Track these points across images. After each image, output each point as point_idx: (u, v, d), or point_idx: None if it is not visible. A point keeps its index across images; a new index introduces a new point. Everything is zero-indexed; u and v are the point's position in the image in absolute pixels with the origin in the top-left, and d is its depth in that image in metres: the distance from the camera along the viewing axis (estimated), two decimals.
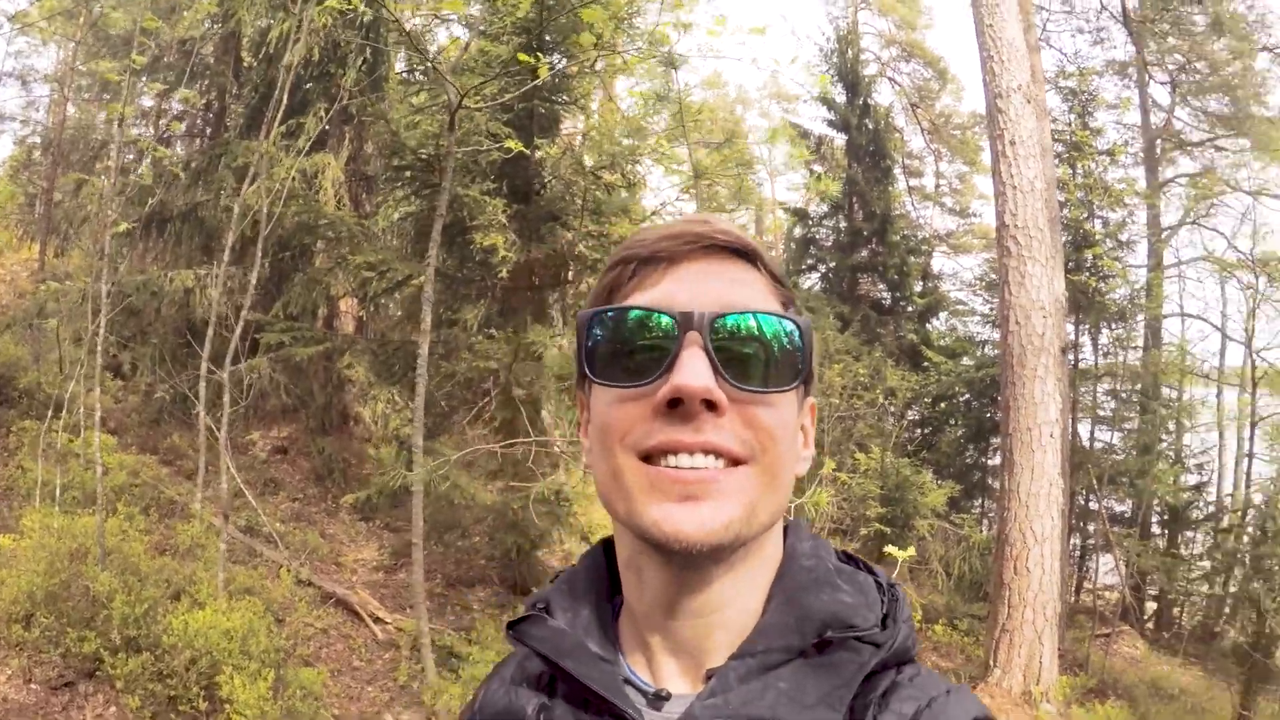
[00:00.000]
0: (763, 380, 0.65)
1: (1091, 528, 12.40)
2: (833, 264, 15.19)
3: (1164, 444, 12.36)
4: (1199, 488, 12.56)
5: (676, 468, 0.63)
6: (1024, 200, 7.53)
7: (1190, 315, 15.65)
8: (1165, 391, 12.87)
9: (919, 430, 14.81)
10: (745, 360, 0.65)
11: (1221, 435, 14.10)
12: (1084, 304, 11.59)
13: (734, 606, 0.69)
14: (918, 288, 15.38)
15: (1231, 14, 13.05)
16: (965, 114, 17.46)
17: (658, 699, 0.68)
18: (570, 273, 7.59)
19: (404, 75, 8.76)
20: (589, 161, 7.35)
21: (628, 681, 0.70)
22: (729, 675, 0.65)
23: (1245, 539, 8.94)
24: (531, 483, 6.10)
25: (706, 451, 0.63)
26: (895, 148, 16.04)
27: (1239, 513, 11.44)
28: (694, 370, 0.62)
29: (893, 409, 13.50)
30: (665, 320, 0.65)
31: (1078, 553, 12.48)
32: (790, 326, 0.67)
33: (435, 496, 6.34)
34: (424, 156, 6.79)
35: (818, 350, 0.71)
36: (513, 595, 6.92)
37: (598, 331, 0.68)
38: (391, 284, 7.53)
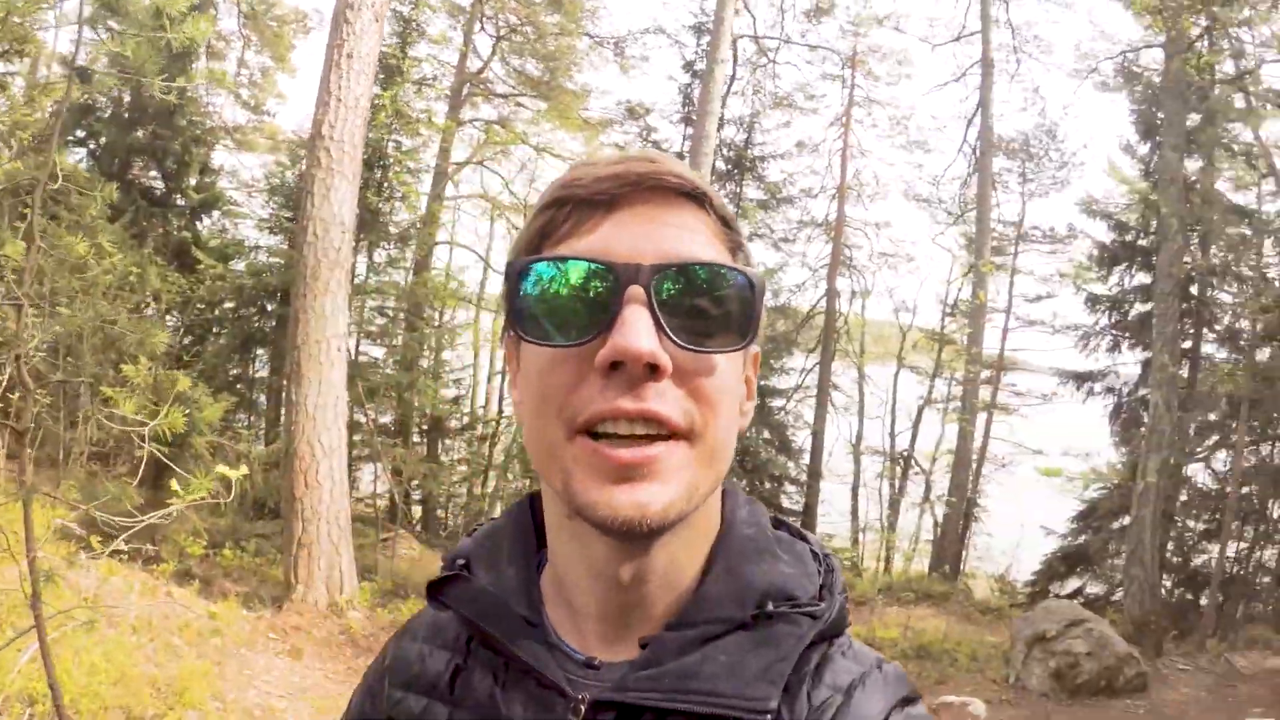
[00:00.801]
0: (710, 339, 0.60)
1: (358, 438, 13.46)
2: (107, 140, 12.47)
3: (427, 360, 14.14)
4: (457, 400, 14.88)
5: (614, 436, 0.58)
6: (346, 115, 7.48)
7: (461, 245, 17.96)
8: (431, 312, 14.66)
9: (185, 339, 13.61)
10: (693, 317, 0.60)
11: (477, 355, 16.90)
12: (368, 222, 12.27)
13: (671, 574, 0.65)
14: (193, 181, 13.90)
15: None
16: (289, 7, 16.29)
17: (586, 667, 0.65)
18: None
19: None
20: None
21: (553, 647, 0.66)
22: (666, 645, 0.63)
23: (498, 446, 10.97)
24: None
25: (647, 419, 0.58)
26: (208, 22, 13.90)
27: (493, 422, 14.01)
28: (636, 330, 0.57)
29: (156, 314, 12.03)
30: (604, 272, 0.59)
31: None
32: (741, 279, 0.62)
33: None
34: None
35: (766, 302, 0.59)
36: None
37: (529, 283, 0.61)
38: None
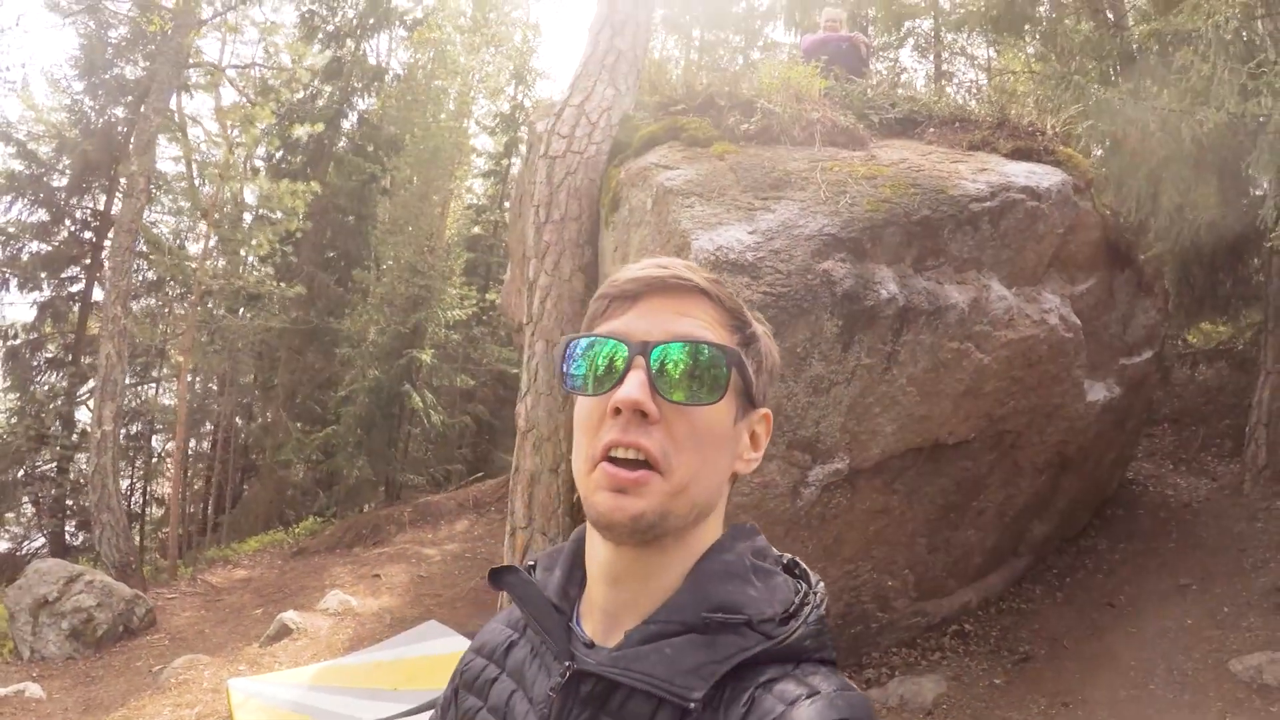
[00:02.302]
0: (686, 396, 0.81)
1: None
2: None
3: None
4: None
5: (616, 460, 0.80)
6: None
7: None
8: None
9: None
10: (674, 379, 0.81)
11: None
12: None
13: (653, 582, 0.84)
14: None
15: None
16: None
17: (587, 647, 0.85)
18: None
19: None
20: None
21: (569, 630, 0.87)
22: (633, 636, 0.81)
23: None
24: None
25: (637, 449, 0.79)
26: None
27: None
28: (632, 385, 0.80)
29: None
30: (620, 347, 0.82)
31: None
32: (713, 352, 0.82)
33: None
34: None
35: (768, 370, 0.90)
36: None
37: (576, 351, 0.86)
38: None
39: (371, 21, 13.94)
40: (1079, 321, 5.88)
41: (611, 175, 6.38)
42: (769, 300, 4.81)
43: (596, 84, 6.93)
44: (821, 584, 0.87)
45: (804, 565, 0.90)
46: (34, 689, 7.33)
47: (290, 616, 7.82)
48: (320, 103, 13.94)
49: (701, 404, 0.81)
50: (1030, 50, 10.85)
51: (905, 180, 5.41)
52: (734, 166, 5.69)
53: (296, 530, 11.23)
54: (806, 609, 0.81)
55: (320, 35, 14.22)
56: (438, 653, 5.67)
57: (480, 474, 13.44)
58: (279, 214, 10.65)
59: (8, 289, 14.51)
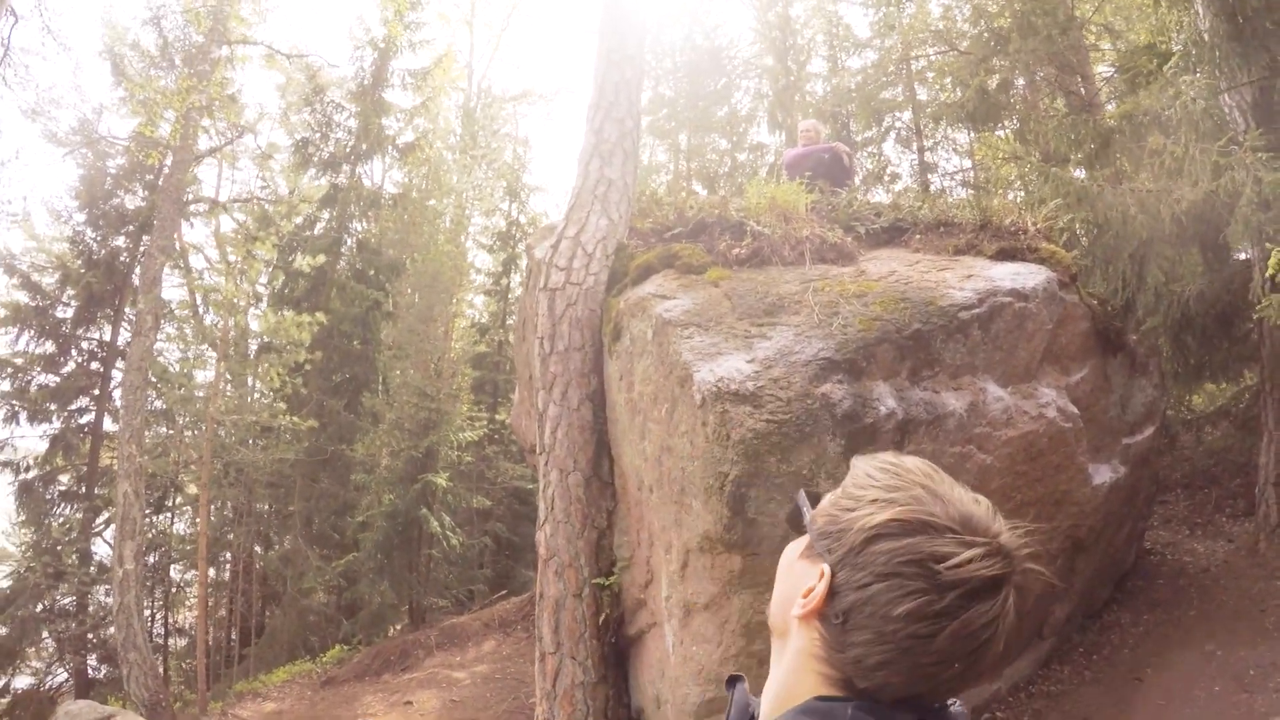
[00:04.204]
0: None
1: None
2: None
3: None
4: None
5: None
6: None
7: None
8: None
9: None
10: None
11: None
12: None
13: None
14: None
15: None
16: None
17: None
18: None
19: None
20: None
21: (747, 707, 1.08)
22: None
23: None
24: None
25: None
26: None
27: None
28: None
29: None
30: None
31: None
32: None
33: None
34: None
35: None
36: None
37: None
38: None
39: (364, 147, 14.42)
40: (1076, 410, 6.03)
41: (612, 304, 6.60)
42: (771, 428, 4.96)
43: (590, 214, 7.23)
44: None
45: None
46: None
47: None
48: (319, 228, 14.35)
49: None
50: (1010, 132, 11.24)
51: (894, 295, 5.63)
52: (729, 293, 5.92)
53: (323, 659, 11.16)
54: None
55: (315, 162, 14.70)
56: None
57: (504, 592, 13.43)
58: (286, 345, 10.88)
59: (18, 422, 14.73)
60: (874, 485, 0.92)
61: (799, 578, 0.95)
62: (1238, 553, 7.22)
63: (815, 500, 1.01)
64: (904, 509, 0.88)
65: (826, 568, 0.91)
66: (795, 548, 1.01)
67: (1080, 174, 8.30)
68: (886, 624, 0.85)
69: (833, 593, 0.90)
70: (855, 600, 0.87)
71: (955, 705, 0.92)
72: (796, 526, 1.02)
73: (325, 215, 14.32)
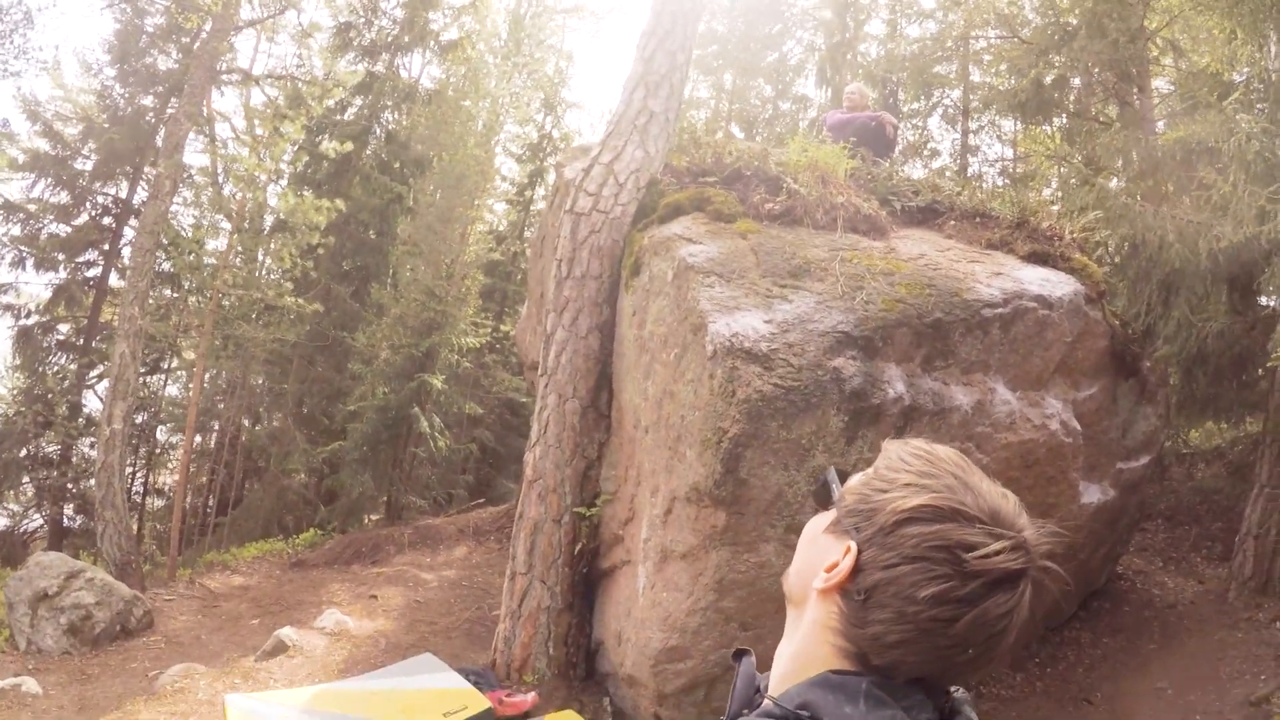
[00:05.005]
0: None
1: None
2: None
3: None
4: None
5: None
6: None
7: None
8: None
9: None
10: None
11: None
12: None
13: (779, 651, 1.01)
14: None
15: None
16: None
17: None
18: None
19: None
20: None
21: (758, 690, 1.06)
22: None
23: None
24: None
25: None
26: None
27: None
28: None
29: None
30: None
31: None
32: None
33: None
34: None
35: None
36: None
37: None
38: None
39: (407, 39, 14.07)
40: (1079, 426, 6.01)
41: (635, 239, 6.52)
42: (778, 392, 4.94)
43: (627, 144, 7.08)
44: None
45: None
46: (31, 684, 7.47)
47: (287, 633, 7.95)
48: (350, 114, 14.09)
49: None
50: (1057, 131, 11.00)
51: (921, 280, 5.55)
52: (756, 248, 5.83)
53: (296, 541, 11.35)
54: None
55: (355, 47, 14.35)
56: (432, 687, 5.83)
57: (482, 500, 13.52)
58: (301, 226, 10.79)
59: (24, 268, 14.68)
60: (908, 470, 0.94)
61: (822, 551, 0.97)
62: (1207, 596, 7.28)
63: (843, 478, 1.02)
64: (937, 496, 0.90)
65: (854, 545, 0.92)
66: (820, 521, 1.01)
67: (1116, 185, 8.13)
68: (909, 605, 0.86)
69: (857, 569, 0.91)
70: (880, 579, 0.89)
71: (958, 691, 0.95)
72: (823, 502, 1.04)
73: (358, 102, 14.09)
